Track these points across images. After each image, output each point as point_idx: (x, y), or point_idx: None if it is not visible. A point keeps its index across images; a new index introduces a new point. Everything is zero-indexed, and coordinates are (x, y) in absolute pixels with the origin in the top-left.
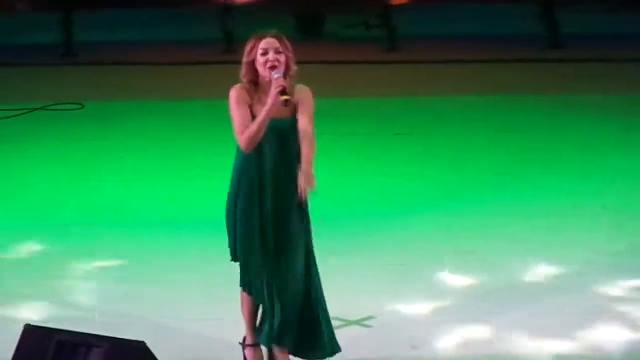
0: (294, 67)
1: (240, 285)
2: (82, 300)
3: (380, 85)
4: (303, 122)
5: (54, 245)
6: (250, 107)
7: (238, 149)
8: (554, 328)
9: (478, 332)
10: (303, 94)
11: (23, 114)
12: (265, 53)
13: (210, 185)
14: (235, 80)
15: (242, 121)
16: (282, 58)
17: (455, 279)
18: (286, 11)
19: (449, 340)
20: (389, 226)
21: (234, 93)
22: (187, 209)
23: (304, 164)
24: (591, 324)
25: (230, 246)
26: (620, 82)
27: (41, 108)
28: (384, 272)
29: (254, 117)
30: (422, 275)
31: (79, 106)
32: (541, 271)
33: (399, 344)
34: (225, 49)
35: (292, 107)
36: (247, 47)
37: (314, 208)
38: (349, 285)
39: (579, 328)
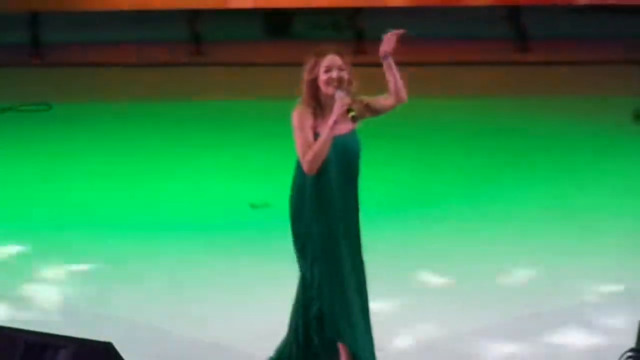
0: (355, 83)
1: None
2: (49, 302)
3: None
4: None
5: (21, 247)
6: (314, 127)
7: (297, 168)
8: (524, 331)
9: (445, 334)
10: (364, 100)
11: None
12: (328, 70)
13: (180, 187)
14: (204, 82)
15: (305, 143)
16: (346, 75)
17: (425, 282)
18: (254, 12)
19: (415, 342)
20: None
21: (296, 115)
22: (155, 210)
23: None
24: (561, 327)
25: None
26: (589, 84)
27: (9, 109)
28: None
29: (318, 136)
30: (391, 278)
31: (47, 107)
32: (513, 274)
33: (382, 344)
34: (194, 51)
35: (348, 122)
36: (308, 65)
37: (276, 212)
38: None
39: (549, 331)
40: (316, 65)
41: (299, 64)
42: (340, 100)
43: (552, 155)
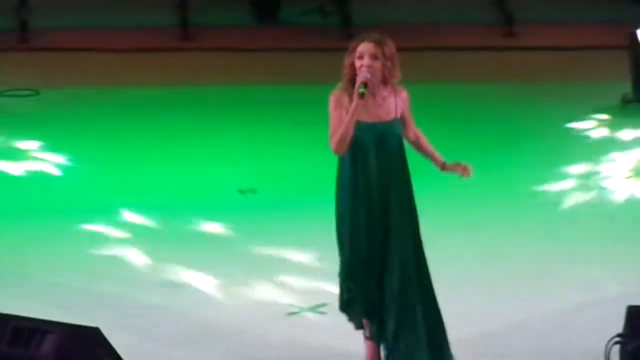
0: (395, 75)
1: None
2: (36, 286)
3: (335, 73)
4: (414, 130)
5: (8, 232)
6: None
7: (341, 156)
8: (508, 315)
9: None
10: (403, 96)
11: None
12: (361, 57)
13: (168, 171)
14: (192, 67)
15: (336, 124)
16: (378, 64)
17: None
18: None
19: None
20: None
21: (333, 97)
22: (144, 195)
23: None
24: (543, 311)
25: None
26: (576, 69)
27: None
28: (336, 260)
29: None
30: None
31: (34, 92)
32: (493, 258)
33: (351, 330)
34: (182, 36)
35: (390, 110)
36: (350, 48)
37: (263, 198)
38: (302, 273)
39: (532, 315)
40: (353, 50)
41: (286, 50)
42: (360, 77)
43: (539, 140)
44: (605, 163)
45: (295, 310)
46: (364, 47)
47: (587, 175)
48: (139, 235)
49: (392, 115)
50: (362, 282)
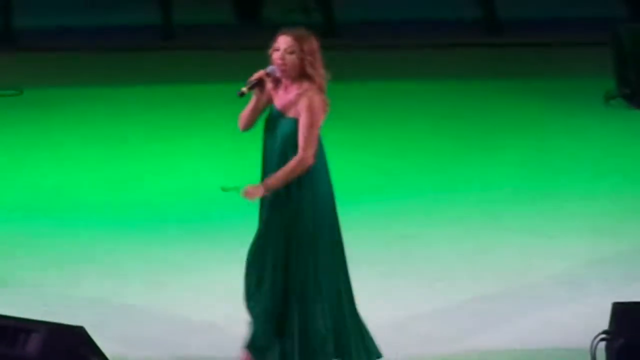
0: (311, 71)
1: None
2: (21, 286)
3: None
4: (299, 146)
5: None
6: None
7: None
8: (493, 312)
9: (415, 316)
10: (302, 104)
11: None
12: (277, 49)
13: (151, 170)
14: (175, 66)
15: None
16: (292, 60)
17: (394, 264)
18: None
19: (385, 324)
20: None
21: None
22: (128, 194)
23: (270, 179)
24: (531, 310)
25: None
26: (561, 66)
27: None
28: None
29: (271, 106)
30: (363, 260)
31: (18, 92)
32: (482, 256)
33: None
34: (165, 35)
35: (287, 107)
36: (274, 38)
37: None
38: None
39: (519, 314)
40: (275, 41)
41: (268, 48)
42: (260, 72)
43: (524, 138)
44: (588, 159)
45: None
46: (282, 40)
47: (570, 170)
48: (125, 234)
49: (285, 109)
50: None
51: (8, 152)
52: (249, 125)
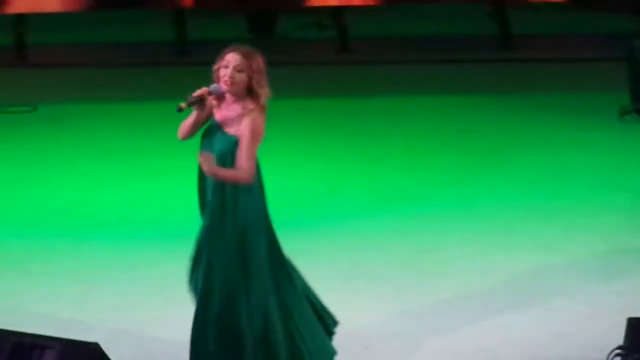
0: (258, 89)
1: None
2: (36, 303)
3: (333, 86)
4: (238, 160)
5: (6, 248)
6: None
7: None
8: (507, 327)
9: (430, 331)
10: (245, 124)
11: None
12: (226, 66)
13: (168, 186)
14: (190, 82)
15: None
16: (240, 78)
17: (409, 280)
18: (238, 12)
19: (401, 340)
20: (344, 227)
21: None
22: (143, 210)
23: (222, 169)
24: (545, 325)
25: None
26: (575, 81)
27: None
28: (337, 272)
29: (210, 120)
30: (375, 276)
31: (32, 108)
32: (496, 272)
33: (351, 343)
34: (179, 50)
35: (228, 124)
36: (220, 56)
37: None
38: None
39: (533, 329)
40: (222, 58)
41: (283, 64)
42: (203, 89)
43: (538, 152)
44: (602, 174)
45: None
46: (231, 57)
47: (584, 186)
48: (140, 250)
49: (225, 124)
50: None
51: (23, 168)
52: (188, 136)
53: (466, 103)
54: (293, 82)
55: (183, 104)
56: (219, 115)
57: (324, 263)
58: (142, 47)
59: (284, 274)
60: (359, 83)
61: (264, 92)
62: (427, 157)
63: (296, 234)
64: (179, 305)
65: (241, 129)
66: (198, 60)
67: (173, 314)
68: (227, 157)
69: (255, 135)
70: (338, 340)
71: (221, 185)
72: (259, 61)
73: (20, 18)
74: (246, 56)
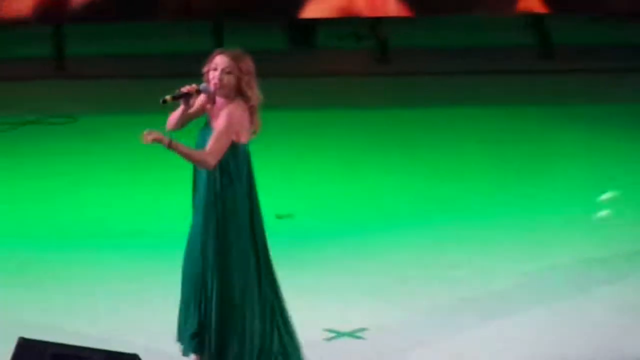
0: (247, 90)
1: None
2: (76, 313)
3: (372, 97)
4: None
5: (47, 258)
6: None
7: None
8: (545, 341)
9: (468, 344)
10: (223, 112)
11: (15, 127)
12: (215, 69)
13: None
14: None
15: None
16: (229, 79)
17: (445, 291)
18: (277, 22)
19: (438, 352)
20: (379, 238)
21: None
22: (180, 222)
23: (181, 145)
24: (585, 336)
25: None
26: (612, 92)
27: (34, 122)
28: (374, 284)
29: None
30: (412, 288)
31: (72, 120)
32: (533, 284)
33: (390, 355)
34: None
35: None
36: (210, 57)
37: (308, 218)
38: (340, 298)
39: (572, 341)
40: (211, 60)
41: (321, 74)
42: (192, 85)
43: (577, 163)
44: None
45: (333, 335)
46: (219, 60)
47: (624, 197)
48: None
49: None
50: None
51: (61, 179)
52: (177, 127)
53: (504, 113)
54: (331, 93)
55: (168, 97)
56: (213, 123)
57: (359, 274)
58: (180, 58)
59: (269, 273)
60: (397, 94)
61: (254, 93)
62: (464, 168)
63: (334, 244)
64: None
65: (219, 119)
66: None
67: None
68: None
69: (228, 124)
70: (377, 346)
71: (212, 184)
72: (248, 63)
73: (59, 29)
74: (235, 58)
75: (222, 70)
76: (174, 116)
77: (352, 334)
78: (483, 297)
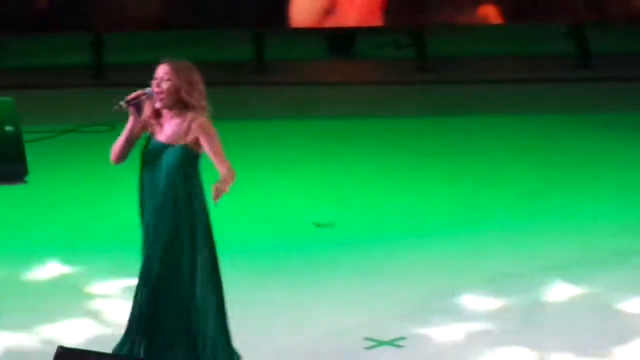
0: (188, 98)
1: None
2: (115, 321)
3: (411, 106)
4: (218, 167)
5: (85, 266)
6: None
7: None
8: (585, 349)
9: (509, 353)
10: (198, 128)
11: (55, 136)
12: (155, 79)
13: (244, 206)
14: (267, 101)
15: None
16: (167, 85)
17: (485, 300)
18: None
19: None
20: (419, 247)
21: None
22: (216, 230)
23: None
24: (624, 343)
25: None
26: None
27: (72, 130)
28: (414, 293)
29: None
30: (452, 296)
31: (109, 128)
32: (572, 291)
33: None
34: (258, 70)
35: (170, 135)
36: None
37: (340, 231)
38: (380, 306)
39: (610, 348)
40: (155, 70)
41: (361, 83)
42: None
43: (615, 171)
44: None
45: (373, 344)
46: (160, 69)
47: None
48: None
49: (171, 141)
50: None
51: (99, 187)
52: (123, 157)
53: (543, 121)
54: (371, 101)
55: (123, 103)
56: (160, 135)
57: (399, 282)
58: (220, 66)
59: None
60: (437, 103)
61: (197, 102)
62: (503, 176)
63: (374, 253)
64: (257, 324)
65: (192, 138)
66: (277, 80)
67: (252, 332)
68: (176, 168)
69: (210, 135)
70: (417, 355)
71: (178, 190)
72: (190, 73)
73: (99, 38)
74: (174, 68)
75: (161, 79)
76: (119, 145)
77: (392, 343)
78: (524, 305)
